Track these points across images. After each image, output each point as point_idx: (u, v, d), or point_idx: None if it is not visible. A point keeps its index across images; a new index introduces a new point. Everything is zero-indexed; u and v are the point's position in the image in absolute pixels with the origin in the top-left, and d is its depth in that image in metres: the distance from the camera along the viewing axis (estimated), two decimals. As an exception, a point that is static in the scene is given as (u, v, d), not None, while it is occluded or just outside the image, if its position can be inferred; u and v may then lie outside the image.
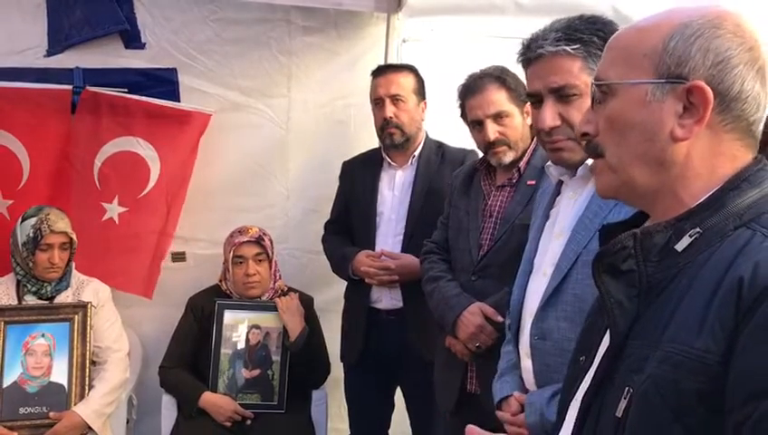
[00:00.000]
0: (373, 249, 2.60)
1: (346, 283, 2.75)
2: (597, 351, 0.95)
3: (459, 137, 2.58)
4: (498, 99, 2.06)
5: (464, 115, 2.16)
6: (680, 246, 0.85)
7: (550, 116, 1.46)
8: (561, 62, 1.44)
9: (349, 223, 2.77)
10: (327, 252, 2.81)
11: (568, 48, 1.42)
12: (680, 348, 0.78)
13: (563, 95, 1.45)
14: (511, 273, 1.68)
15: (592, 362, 0.95)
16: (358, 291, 2.66)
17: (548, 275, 1.51)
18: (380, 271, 2.52)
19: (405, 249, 2.57)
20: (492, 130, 2.07)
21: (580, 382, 0.96)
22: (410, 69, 2.67)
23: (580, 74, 1.43)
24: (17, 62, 2.87)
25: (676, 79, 0.86)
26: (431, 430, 2.60)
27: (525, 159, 2.09)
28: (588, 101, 1.38)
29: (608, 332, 0.89)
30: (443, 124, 2.75)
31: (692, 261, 0.84)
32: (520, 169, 2.09)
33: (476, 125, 2.11)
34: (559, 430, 0.99)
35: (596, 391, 0.89)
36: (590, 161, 1.42)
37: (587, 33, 1.42)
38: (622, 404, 0.82)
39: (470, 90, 2.11)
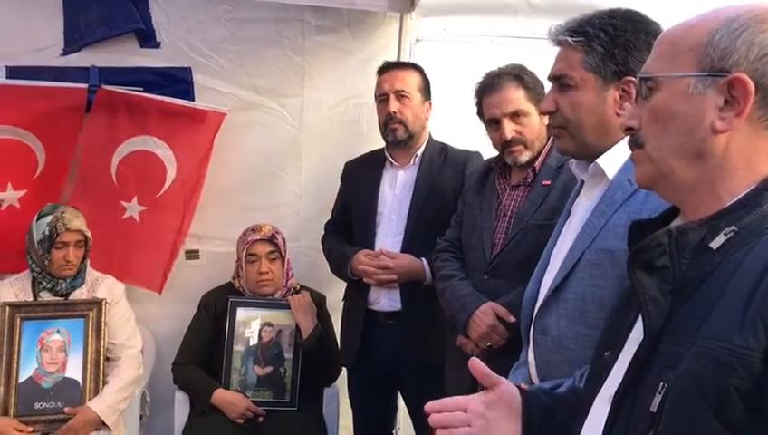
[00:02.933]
0: (372, 249, 2.58)
1: (352, 283, 2.75)
2: (623, 346, 0.95)
3: (468, 139, 2.59)
4: (516, 97, 2.06)
5: (480, 113, 2.16)
6: (715, 244, 0.86)
7: (547, 101, 1.51)
8: (564, 51, 1.48)
9: (349, 223, 2.76)
10: (326, 252, 2.81)
11: (570, 39, 1.45)
12: (719, 344, 0.79)
13: (561, 84, 1.48)
14: (524, 273, 1.68)
15: (617, 358, 0.95)
16: (356, 292, 2.66)
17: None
18: (379, 270, 2.51)
19: (404, 249, 2.55)
20: (509, 129, 2.07)
21: (606, 378, 0.96)
22: (416, 67, 2.67)
23: (576, 67, 1.45)
24: (34, 61, 2.90)
25: (718, 72, 0.88)
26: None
27: (541, 158, 2.08)
28: (582, 96, 1.45)
29: (635, 327, 0.90)
30: (453, 125, 2.76)
31: (727, 259, 0.85)
32: (535, 169, 2.08)
33: (493, 123, 2.11)
34: (582, 423, 0.98)
35: (629, 386, 0.90)
36: (600, 160, 1.46)
37: (595, 28, 1.43)
38: (657, 399, 0.82)
39: (488, 88, 2.11)
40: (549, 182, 2.01)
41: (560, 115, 1.49)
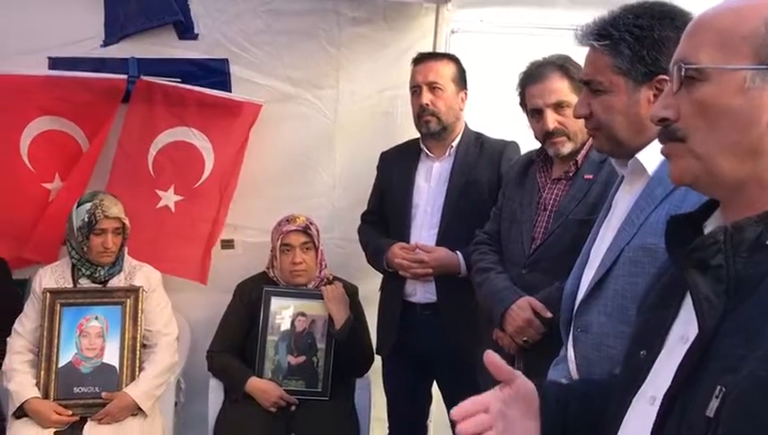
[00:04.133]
0: (408, 241, 2.58)
1: (386, 274, 2.75)
2: (663, 346, 0.93)
3: (505, 130, 2.56)
4: (560, 88, 2.03)
5: (523, 103, 2.14)
6: None
7: (580, 105, 1.49)
8: (592, 54, 1.45)
9: (385, 214, 2.77)
10: (362, 243, 2.82)
11: (595, 44, 1.42)
12: None
13: (592, 88, 1.46)
14: (562, 268, 1.67)
15: (656, 357, 0.93)
16: (392, 284, 2.66)
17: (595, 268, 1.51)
18: (414, 264, 2.51)
19: (439, 242, 2.55)
20: (551, 120, 2.04)
21: (644, 377, 0.94)
22: (451, 58, 2.65)
23: (605, 71, 1.42)
24: (75, 52, 2.95)
25: None
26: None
27: (583, 152, 2.05)
28: (613, 99, 1.43)
29: (675, 326, 0.87)
30: (490, 116, 2.75)
31: None
32: (577, 162, 2.05)
33: (535, 114, 2.08)
34: (618, 427, 0.96)
35: (680, 387, 0.86)
36: (639, 155, 1.44)
37: (621, 30, 1.39)
38: (714, 404, 0.79)
39: (531, 77, 2.08)
40: (591, 176, 1.98)
41: (594, 119, 1.47)
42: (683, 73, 0.90)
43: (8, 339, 2.65)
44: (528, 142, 2.26)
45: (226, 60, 2.99)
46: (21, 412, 2.52)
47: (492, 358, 1.04)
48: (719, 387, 0.79)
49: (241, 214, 3.10)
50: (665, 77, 1.39)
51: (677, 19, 1.38)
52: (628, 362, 1.02)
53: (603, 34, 1.41)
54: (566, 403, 1.08)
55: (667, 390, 0.88)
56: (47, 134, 2.93)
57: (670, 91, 0.93)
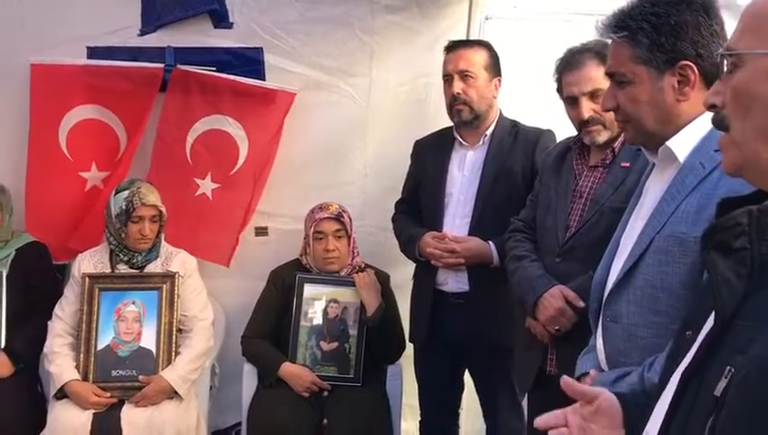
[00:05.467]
0: (440, 230, 2.57)
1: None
2: (703, 327, 0.93)
3: (540, 118, 2.54)
4: (596, 76, 1.99)
5: (560, 90, 2.11)
6: None
7: (607, 98, 1.50)
8: (613, 47, 1.46)
9: (418, 203, 2.76)
10: (396, 231, 2.82)
11: (614, 36, 1.43)
12: None
13: (617, 81, 1.46)
14: (597, 256, 1.65)
15: (697, 338, 0.93)
16: (425, 272, 2.66)
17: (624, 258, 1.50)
18: (445, 253, 2.50)
19: (472, 231, 2.53)
20: (586, 109, 2.01)
21: (683, 356, 0.94)
22: (483, 44, 2.61)
23: (626, 62, 1.43)
24: (113, 42, 3.00)
25: None
26: (501, 412, 2.59)
27: (621, 139, 2.01)
28: (638, 90, 1.42)
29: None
30: (525, 103, 2.72)
31: None
32: (614, 150, 2.03)
33: (571, 102, 2.06)
34: (657, 400, 0.97)
35: (696, 367, 0.87)
36: (670, 142, 1.43)
37: (637, 20, 1.40)
38: (722, 384, 0.80)
39: (568, 64, 2.05)
40: (628, 164, 1.96)
41: (621, 111, 1.47)
42: (724, 59, 0.90)
43: (49, 322, 2.72)
44: (565, 129, 2.23)
45: (261, 48, 3.01)
46: (61, 394, 2.59)
47: (569, 385, 1.07)
48: (728, 367, 0.80)
49: (275, 202, 3.13)
50: (687, 62, 1.38)
51: (694, 2, 1.38)
52: (675, 341, 1.03)
53: (621, 26, 1.42)
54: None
55: (684, 369, 0.89)
56: (85, 123, 2.99)
57: (721, 77, 0.93)
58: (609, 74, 1.48)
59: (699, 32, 1.38)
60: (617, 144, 2.03)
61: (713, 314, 0.88)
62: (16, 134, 2.98)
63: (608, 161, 2.04)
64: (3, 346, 2.72)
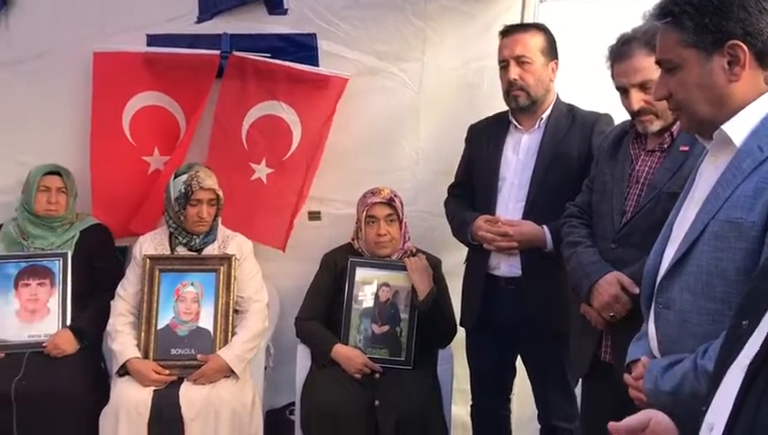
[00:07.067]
0: (493, 214, 2.55)
1: (469, 247, 2.75)
2: (763, 315, 0.91)
3: (598, 101, 2.49)
4: (646, 66, 1.94)
5: (613, 78, 2.07)
6: None
7: (658, 87, 1.48)
8: (661, 34, 1.45)
9: (471, 187, 2.74)
10: (448, 216, 2.81)
11: (659, 23, 1.42)
12: None
13: (667, 68, 1.45)
14: (653, 243, 1.63)
15: (756, 327, 0.91)
16: (477, 256, 2.65)
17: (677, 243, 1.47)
18: (498, 237, 2.49)
19: (526, 216, 2.50)
20: (636, 100, 1.98)
21: (742, 347, 0.93)
22: (539, 27, 2.57)
23: (674, 48, 1.41)
24: (170, 29, 3.07)
25: None
26: (553, 398, 2.59)
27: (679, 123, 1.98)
28: (687, 75, 1.39)
29: None
30: (580, 87, 2.68)
31: None
32: (672, 134, 1.99)
33: (622, 91, 2.02)
34: (713, 395, 0.96)
35: (765, 359, 0.86)
36: (725, 126, 1.40)
37: (680, 4, 1.38)
38: None
39: (618, 55, 2.01)
40: (687, 148, 1.91)
41: (673, 99, 1.45)
42: None
43: (111, 302, 2.82)
44: (622, 113, 2.18)
45: (314, 34, 3.04)
46: (123, 371, 2.68)
47: (615, 427, 1.10)
48: None
49: (327, 186, 3.16)
50: (736, 42, 1.34)
51: None
52: (729, 331, 1.02)
53: (665, 12, 1.41)
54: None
55: (753, 358, 0.88)
56: (147, 109, 3.07)
57: None
58: (659, 62, 1.47)
59: (746, 10, 1.34)
60: (675, 128, 1.98)
61: None
62: (80, 120, 3.09)
63: (665, 145, 2.00)
64: (68, 324, 2.84)
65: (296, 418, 2.79)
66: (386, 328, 2.81)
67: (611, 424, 1.10)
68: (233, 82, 3.02)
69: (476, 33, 3.01)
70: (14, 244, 2.93)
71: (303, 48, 3.03)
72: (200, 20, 3.05)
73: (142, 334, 2.75)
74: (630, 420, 1.10)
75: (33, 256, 2.89)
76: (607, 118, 2.47)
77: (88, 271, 2.94)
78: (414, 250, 2.90)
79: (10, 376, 2.64)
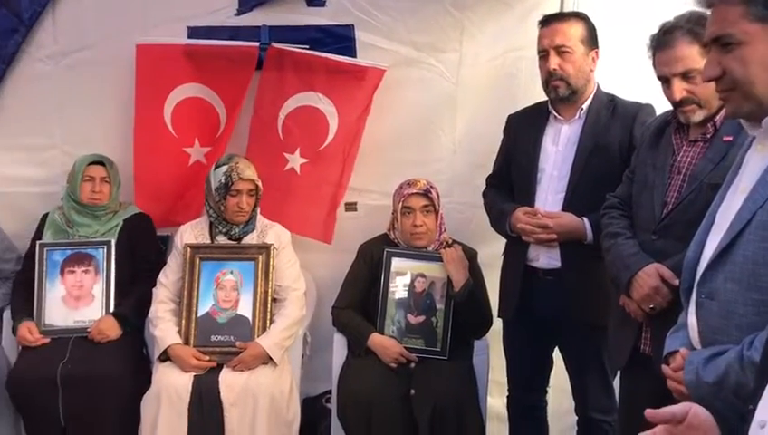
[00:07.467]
0: (532, 206, 2.53)
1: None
2: None
3: (640, 90, 2.45)
4: (688, 55, 1.90)
5: (655, 67, 2.04)
6: None
7: (710, 66, 1.40)
8: (718, 11, 1.37)
9: (510, 178, 2.72)
10: (486, 207, 2.80)
11: None
12: None
13: (722, 44, 1.37)
14: (694, 234, 1.61)
15: None
16: (515, 248, 2.63)
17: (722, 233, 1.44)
18: (537, 229, 2.47)
19: (566, 207, 2.48)
20: (678, 90, 1.94)
21: None
22: (579, 16, 2.53)
23: (738, 22, 1.33)
24: (211, 22, 3.12)
25: None
26: (591, 391, 2.57)
27: (723, 112, 1.91)
28: (750, 51, 1.33)
29: None
30: (621, 76, 2.64)
31: None
32: (716, 124, 1.94)
33: (664, 81, 1.98)
34: (762, 391, 0.95)
35: None
36: None
37: None
38: None
39: (659, 43, 1.97)
40: (731, 138, 1.87)
41: (727, 78, 1.38)
42: None
43: (153, 289, 2.89)
44: (665, 103, 2.14)
45: (352, 26, 3.05)
46: (165, 356, 2.74)
47: (652, 414, 1.09)
48: None
49: (363, 177, 3.18)
50: None
51: None
52: None
53: None
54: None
55: None
56: (188, 101, 3.12)
57: None
58: (714, 39, 1.39)
59: None
60: (718, 118, 1.94)
61: None
62: (123, 111, 3.15)
63: (708, 135, 1.96)
64: (112, 310, 2.91)
65: (332, 406, 2.82)
66: (421, 318, 2.82)
67: (648, 411, 1.08)
68: (271, 73, 3.06)
69: (514, 22, 2.99)
70: (60, 232, 3.01)
71: (341, 39, 3.05)
72: (240, 12, 3.09)
73: (183, 321, 2.80)
74: (669, 410, 1.08)
75: (78, 244, 2.97)
76: (649, 108, 2.42)
77: (130, 259, 3.01)
78: (450, 241, 2.90)
79: (56, 361, 2.72)
